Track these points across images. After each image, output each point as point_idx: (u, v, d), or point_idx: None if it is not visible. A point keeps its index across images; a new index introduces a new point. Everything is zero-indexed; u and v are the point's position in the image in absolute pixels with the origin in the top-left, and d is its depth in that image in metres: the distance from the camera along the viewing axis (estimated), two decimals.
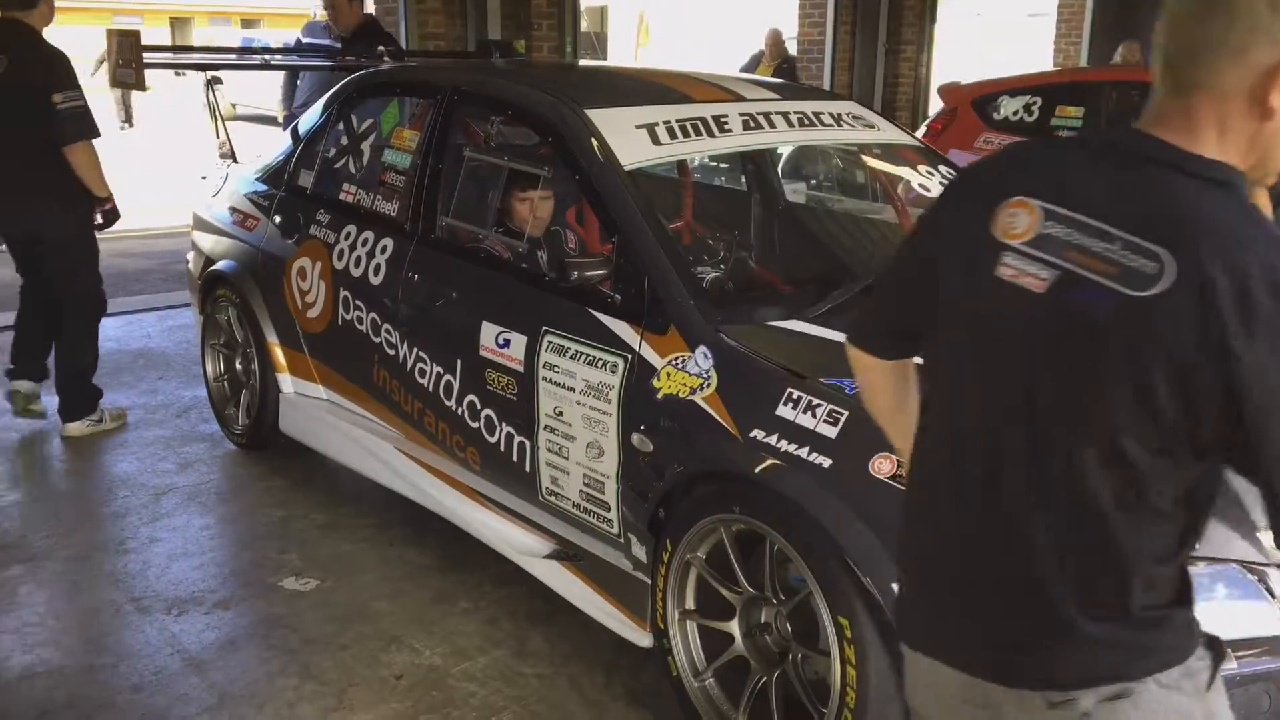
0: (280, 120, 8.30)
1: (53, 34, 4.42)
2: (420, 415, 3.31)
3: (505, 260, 3.21)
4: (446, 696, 2.76)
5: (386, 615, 3.13)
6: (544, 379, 2.83)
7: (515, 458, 2.97)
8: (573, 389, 2.75)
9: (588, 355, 2.73)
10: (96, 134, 4.26)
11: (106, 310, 4.63)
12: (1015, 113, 6.66)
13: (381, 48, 5.12)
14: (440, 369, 3.18)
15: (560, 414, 2.79)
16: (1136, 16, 11.87)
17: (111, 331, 5.19)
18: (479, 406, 3.06)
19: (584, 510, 2.80)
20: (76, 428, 4.47)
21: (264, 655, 2.93)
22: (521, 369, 2.89)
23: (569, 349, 2.78)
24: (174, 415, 4.73)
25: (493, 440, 3.04)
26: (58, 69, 4.17)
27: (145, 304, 6.57)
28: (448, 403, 3.16)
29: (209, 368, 4.43)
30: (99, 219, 4.41)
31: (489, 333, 2.99)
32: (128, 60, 4.26)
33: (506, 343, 2.95)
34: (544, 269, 3.10)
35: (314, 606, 3.18)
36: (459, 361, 3.11)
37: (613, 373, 2.65)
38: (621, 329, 2.68)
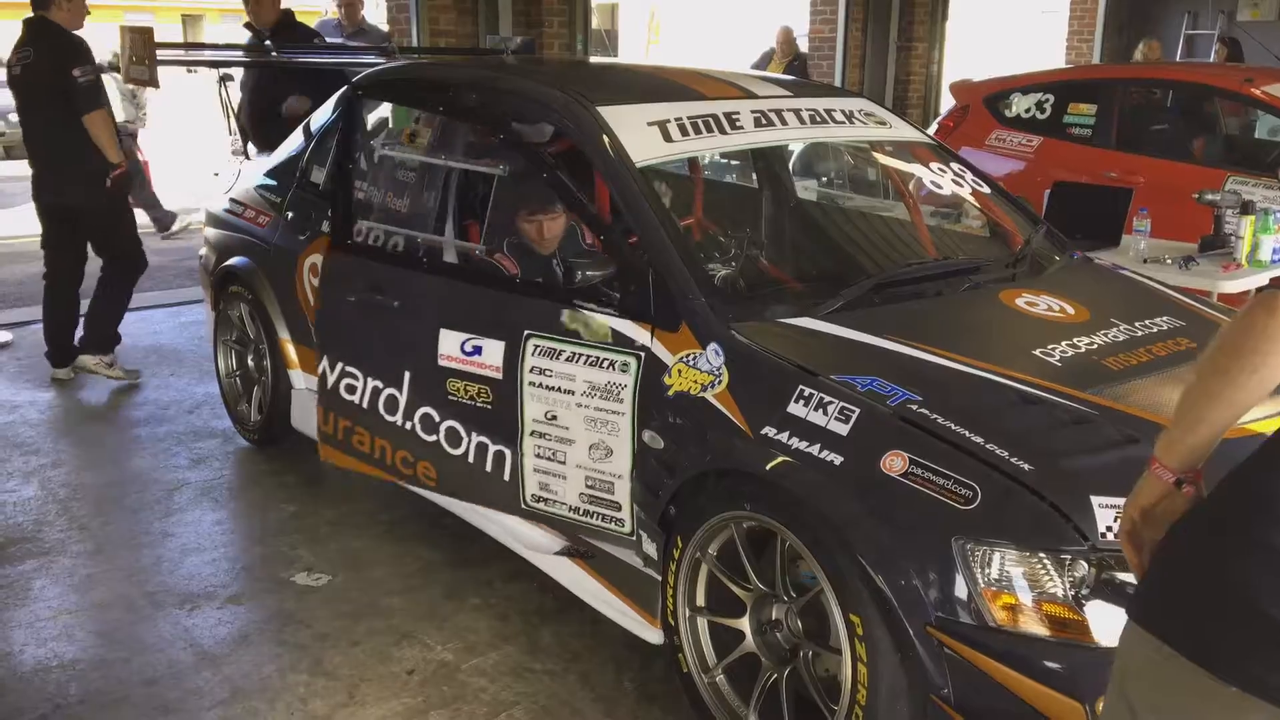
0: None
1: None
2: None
3: (502, 266, 3.19)
4: (457, 692, 2.77)
5: (398, 611, 3.14)
6: (530, 384, 2.80)
7: (490, 467, 2.94)
8: (571, 391, 2.74)
9: (590, 356, 2.71)
10: (106, 104, 4.80)
11: (145, 268, 5.12)
12: (1027, 110, 6.62)
13: (388, 43, 5.17)
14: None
15: (554, 418, 2.78)
16: (1148, 14, 11.85)
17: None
18: (437, 420, 3.06)
19: (584, 513, 2.78)
20: (87, 360, 4.99)
21: (276, 650, 2.95)
22: (500, 376, 2.87)
23: (563, 351, 2.75)
24: (186, 411, 4.75)
25: (458, 452, 3.02)
26: (73, 51, 4.68)
27: (158, 300, 6.60)
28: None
29: (221, 364, 4.44)
30: (109, 184, 4.82)
31: (452, 340, 2.97)
32: (141, 57, 4.31)
33: (478, 350, 2.92)
34: (549, 274, 3.06)
35: (326, 602, 3.19)
36: (424, 369, 3.09)
37: (624, 372, 2.65)
38: (631, 328, 2.68)
